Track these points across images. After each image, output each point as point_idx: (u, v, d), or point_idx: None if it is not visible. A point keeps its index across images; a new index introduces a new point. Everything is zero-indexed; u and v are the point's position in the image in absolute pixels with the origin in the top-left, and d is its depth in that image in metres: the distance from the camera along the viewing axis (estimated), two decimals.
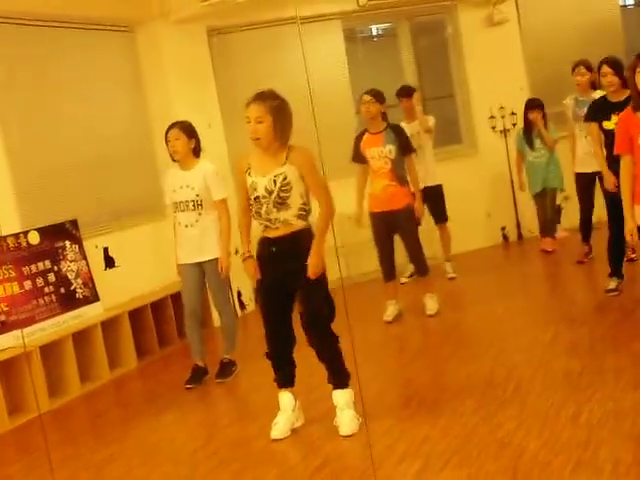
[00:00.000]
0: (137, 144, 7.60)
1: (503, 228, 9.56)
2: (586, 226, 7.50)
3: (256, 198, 4.43)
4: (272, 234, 4.43)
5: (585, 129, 7.04)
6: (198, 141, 5.85)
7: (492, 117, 9.41)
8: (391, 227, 6.62)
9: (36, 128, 6.75)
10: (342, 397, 4.47)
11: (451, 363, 5.50)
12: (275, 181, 4.36)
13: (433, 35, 9.75)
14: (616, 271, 6.38)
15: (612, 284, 6.35)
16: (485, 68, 9.24)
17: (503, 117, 9.39)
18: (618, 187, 5.86)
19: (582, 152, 7.26)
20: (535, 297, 7.03)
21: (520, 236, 9.57)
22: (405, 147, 6.65)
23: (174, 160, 5.86)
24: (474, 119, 9.50)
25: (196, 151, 5.84)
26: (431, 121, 7.84)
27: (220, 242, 5.76)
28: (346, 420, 4.40)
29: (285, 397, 4.60)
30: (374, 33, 10.14)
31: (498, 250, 9.36)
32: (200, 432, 5.01)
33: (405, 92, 7.91)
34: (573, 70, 7.36)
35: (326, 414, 4.67)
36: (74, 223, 6.77)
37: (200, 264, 5.82)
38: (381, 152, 6.54)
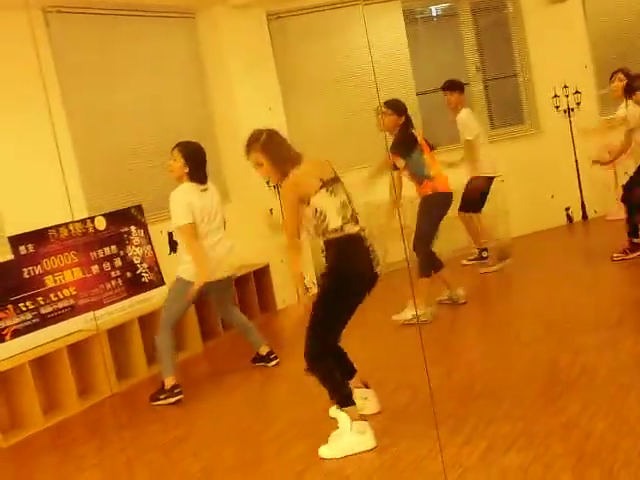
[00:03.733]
0: (199, 129, 7.66)
1: (567, 209, 9.43)
2: None
3: None
4: None
5: None
6: (194, 165, 5.54)
7: (556, 96, 9.27)
8: None
9: (101, 115, 6.89)
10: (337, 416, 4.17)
11: (515, 345, 5.46)
12: None
13: (494, 14, 9.62)
14: None
15: None
16: (548, 46, 9.10)
17: (567, 96, 9.24)
18: None
19: None
20: (600, 278, 6.92)
21: (585, 216, 9.43)
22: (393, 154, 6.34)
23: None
24: (537, 98, 9.37)
25: (191, 175, 5.54)
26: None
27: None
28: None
29: None
30: (434, 14, 10.04)
31: (562, 231, 9.24)
32: (266, 413, 5.06)
33: (450, 86, 7.75)
34: None
35: (389, 396, 4.70)
36: (139, 208, 6.88)
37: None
38: None
